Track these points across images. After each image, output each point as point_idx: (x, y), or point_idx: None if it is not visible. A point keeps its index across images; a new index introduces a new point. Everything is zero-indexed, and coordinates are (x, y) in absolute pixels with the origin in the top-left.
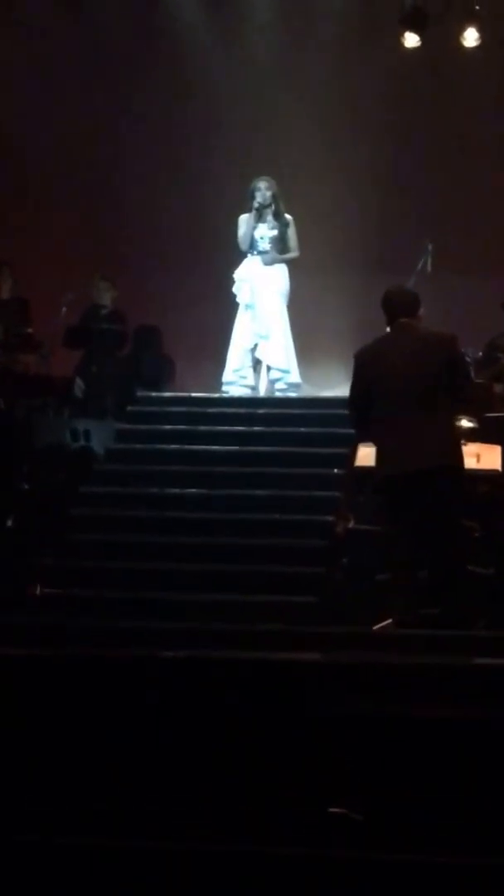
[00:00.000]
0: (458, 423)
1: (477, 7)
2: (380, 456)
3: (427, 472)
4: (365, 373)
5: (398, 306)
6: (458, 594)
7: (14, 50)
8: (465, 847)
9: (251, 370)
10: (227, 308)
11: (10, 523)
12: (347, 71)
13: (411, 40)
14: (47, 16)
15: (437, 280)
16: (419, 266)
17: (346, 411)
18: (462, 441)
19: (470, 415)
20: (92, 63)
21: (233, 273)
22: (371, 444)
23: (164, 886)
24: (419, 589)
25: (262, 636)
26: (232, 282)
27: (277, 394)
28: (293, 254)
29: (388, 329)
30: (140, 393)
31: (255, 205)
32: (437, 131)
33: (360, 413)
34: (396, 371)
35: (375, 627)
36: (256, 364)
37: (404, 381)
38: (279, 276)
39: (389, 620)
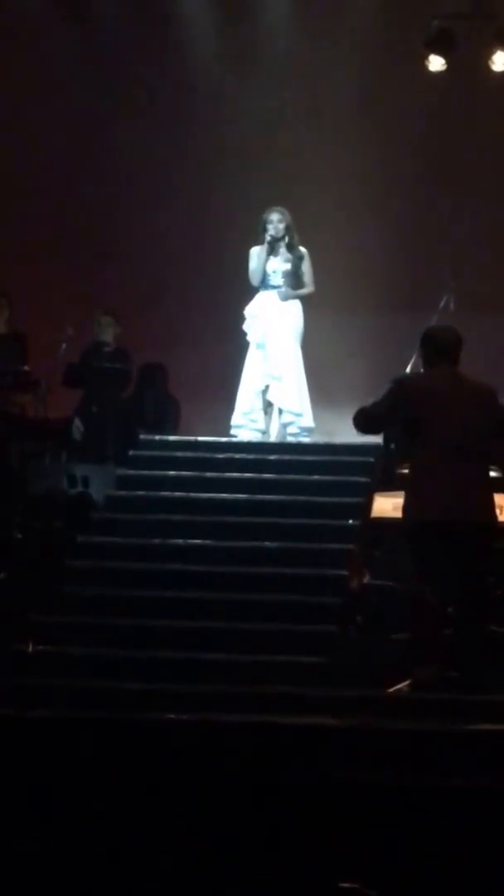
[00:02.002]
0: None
1: None
2: (419, 501)
3: (471, 524)
4: (408, 404)
5: (444, 348)
6: (481, 656)
7: (12, 77)
8: None
9: (262, 413)
10: (236, 346)
11: (1, 575)
12: (369, 97)
13: (436, 64)
14: (45, 39)
15: (460, 320)
16: (442, 304)
17: (362, 458)
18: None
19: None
20: (93, 91)
21: (243, 309)
22: (386, 493)
23: None
24: (443, 648)
25: (270, 698)
26: (242, 318)
27: (290, 438)
28: (308, 289)
29: (424, 368)
30: (143, 436)
31: (267, 237)
32: (463, 160)
33: (376, 427)
34: (448, 416)
35: (391, 690)
36: (268, 407)
37: (455, 429)
38: (293, 314)
39: (406, 682)
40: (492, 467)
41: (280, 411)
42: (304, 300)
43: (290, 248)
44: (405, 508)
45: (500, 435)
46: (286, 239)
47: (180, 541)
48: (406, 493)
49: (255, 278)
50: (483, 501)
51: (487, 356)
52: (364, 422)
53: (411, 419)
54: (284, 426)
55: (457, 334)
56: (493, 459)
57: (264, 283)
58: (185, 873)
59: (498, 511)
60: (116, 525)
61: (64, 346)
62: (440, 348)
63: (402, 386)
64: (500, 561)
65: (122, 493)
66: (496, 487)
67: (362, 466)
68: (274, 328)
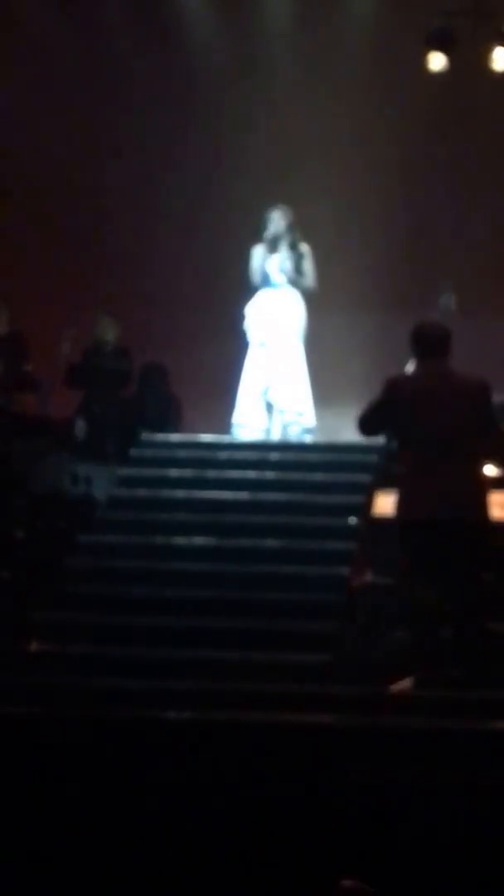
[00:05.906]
0: (484, 471)
1: None
2: (407, 501)
3: (463, 522)
4: (397, 402)
5: (432, 344)
6: (481, 653)
7: (10, 79)
8: None
9: (264, 412)
10: (238, 345)
11: (4, 574)
12: (369, 96)
13: (437, 62)
14: (46, 41)
15: (460, 318)
16: (441, 303)
17: (363, 457)
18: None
19: (494, 462)
20: (92, 90)
21: (244, 308)
22: (388, 491)
23: None
24: (442, 646)
25: (272, 697)
26: (243, 317)
27: (291, 438)
28: (311, 284)
29: (413, 365)
30: (145, 436)
31: (268, 235)
32: (464, 159)
33: (370, 429)
34: (436, 414)
35: (393, 688)
36: (269, 406)
37: (443, 426)
38: (295, 313)
39: (407, 680)
40: (490, 463)
41: (282, 411)
42: (306, 298)
43: (292, 246)
44: (396, 508)
45: (485, 433)
46: (288, 237)
47: (182, 540)
48: (397, 492)
49: (256, 277)
50: (471, 499)
51: (487, 355)
52: (360, 426)
53: (399, 419)
54: (286, 425)
55: (443, 328)
56: (487, 455)
57: (265, 282)
58: (187, 871)
59: (500, 509)
60: (118, 524)
61: (65, 345)
62: (427, 343)
63: (388, 386)
64: (498, 557)
65: (124, 492)
66: (490, 484)
67: (364, 465)
68: (276, 327)
